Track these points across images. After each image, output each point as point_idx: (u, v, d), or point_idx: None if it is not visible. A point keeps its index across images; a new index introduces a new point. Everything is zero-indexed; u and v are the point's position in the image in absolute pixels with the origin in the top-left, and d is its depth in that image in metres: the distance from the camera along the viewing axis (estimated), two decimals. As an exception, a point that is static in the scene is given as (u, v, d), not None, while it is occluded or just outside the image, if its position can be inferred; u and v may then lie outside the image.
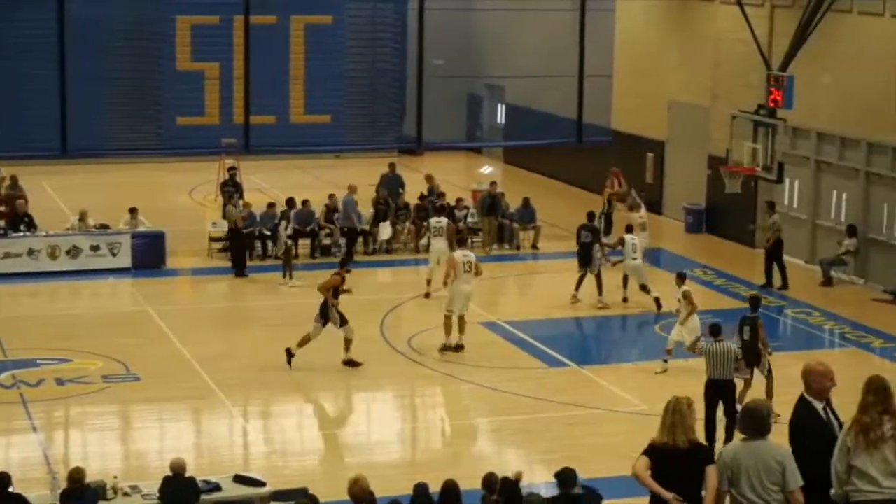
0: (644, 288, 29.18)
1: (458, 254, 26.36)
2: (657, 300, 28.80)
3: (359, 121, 41.87)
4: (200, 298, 31.18)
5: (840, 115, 32.85)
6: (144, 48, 40.46)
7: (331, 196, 34.47)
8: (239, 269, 31.78)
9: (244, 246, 32.44)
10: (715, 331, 21.39)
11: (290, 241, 32.10)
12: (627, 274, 29.45)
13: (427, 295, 29.74)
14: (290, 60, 39.09)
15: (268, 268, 32.76)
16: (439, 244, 30.35)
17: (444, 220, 31.01)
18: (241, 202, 33.69)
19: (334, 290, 24.79)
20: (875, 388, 10.67)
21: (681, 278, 25.66)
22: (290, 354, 24.58)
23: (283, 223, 32.48)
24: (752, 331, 22.37)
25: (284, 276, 31.16)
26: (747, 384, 22.14)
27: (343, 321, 24.66)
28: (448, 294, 26.11)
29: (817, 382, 11.26)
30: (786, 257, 32.01)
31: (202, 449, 21.25)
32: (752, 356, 22.18)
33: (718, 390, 20.70)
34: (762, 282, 31.67)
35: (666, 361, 24.87)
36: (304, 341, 24.61)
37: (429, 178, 36.67)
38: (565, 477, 14.33)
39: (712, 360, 20.85)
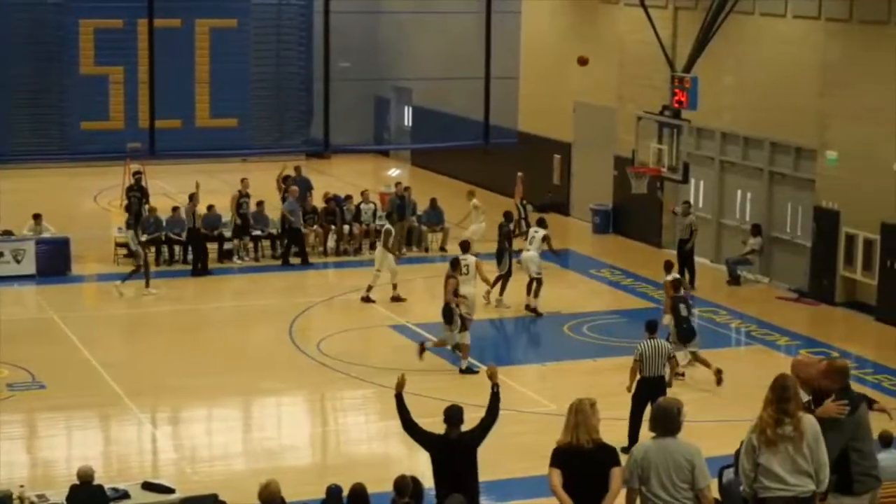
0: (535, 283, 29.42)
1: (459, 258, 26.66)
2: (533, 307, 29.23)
3: (265, 124, 41.76)
4: (106, 305, 30.88)
5: (743, 116, 33.22)
6: (47, 53, 40.05)
7: (242, 194, 34.50)
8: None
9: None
10: (651, 328, 21.47)
11: (142, 249, 31.51)
12: (522, 264, 29.60)
13: (366, 299, 29.73)
14: (196, 64, 38.90)
15: (175, 272, 32.59)
16: (378, 250, 30.44)
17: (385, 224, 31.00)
18: (146, 207, 33.43)
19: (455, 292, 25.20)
20: (776, 387, 10.75)
21: (667, 269, 25.92)
22: (422, 349, 25.06)
23: (132, 232, 31.76)
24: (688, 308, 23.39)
25: (146, 284, 30.78)
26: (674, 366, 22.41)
27: (463, 327, 25.02)
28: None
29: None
30: (696, 258, 32.34)
31: (110, 456, 21.05)
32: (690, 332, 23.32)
33: (651, 388, 20.55)
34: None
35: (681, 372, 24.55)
36: (441, 344, 25.37)
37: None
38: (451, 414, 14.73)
39: (645, 358, 20.88)
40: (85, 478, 16.38)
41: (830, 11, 30.32)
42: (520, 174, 35.20)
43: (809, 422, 10.68)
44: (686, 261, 31.72)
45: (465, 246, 27.67)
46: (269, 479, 14.52)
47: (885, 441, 15.99)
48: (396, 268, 30.20)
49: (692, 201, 34.57)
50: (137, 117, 37.23)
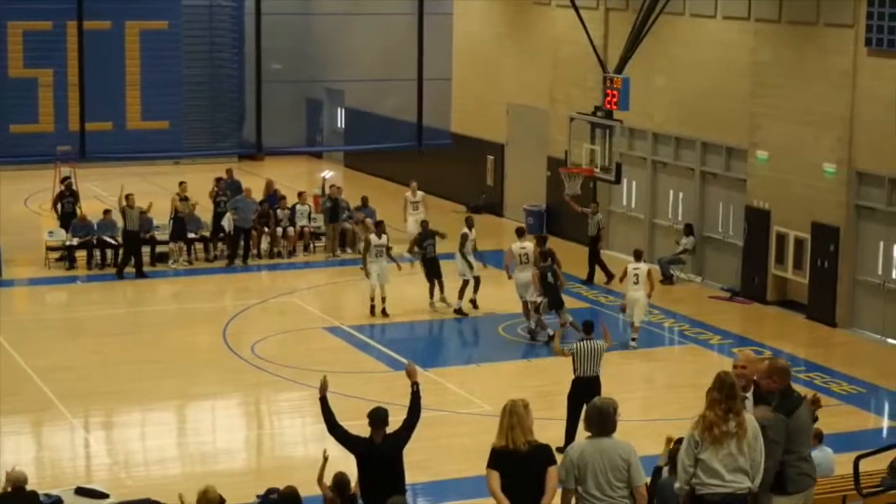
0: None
1: (516, 245, 28.12)
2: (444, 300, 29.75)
3: (197, 126, 41.41)
4: (38, 309, 30.62)
5: (675, 116, 33.43)
6: (-26, 55, 39.56)
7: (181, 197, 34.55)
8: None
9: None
10: (588, 328, 21.48)
11: None
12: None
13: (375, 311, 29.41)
14: (126, 66, 38.53)
15: (106, 276, 32.41)
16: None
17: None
18: (78, 209, 33.22)
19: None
20: (720, 386, 10.86)
21: (637, 257, 27.41)
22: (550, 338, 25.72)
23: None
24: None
25: None
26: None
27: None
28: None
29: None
30: (624, 256, 32.45)
31: (43, 462, 20.86)
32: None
33: (586, 387, 20.48)
34: (602, 283, 32.24)
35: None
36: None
37: (269, 185, 36.54)
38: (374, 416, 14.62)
39: (580, 358, 20.86)
40: (17, 483, 16.18)
41: (760, 12, 30.57)
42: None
43: (751, 420, 10.81)
44: (595, 257, 32.73)
45: (521, 232, 29.02)
46: (206, 485, 14.46)
47: (817, 438, 16.15)
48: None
49: (625, 202, 34.78)
50: (67, 120, 36.87)
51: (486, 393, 23.94)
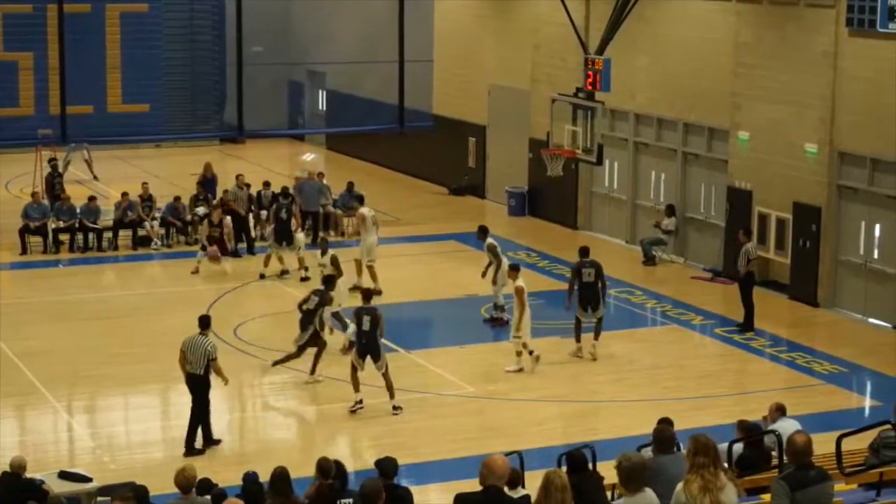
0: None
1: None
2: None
3: (179, 109, 41.31)
4: (20, 293, 30.54)
5: (657, 97, 33.44)
6: (-46, 38, 39.43)
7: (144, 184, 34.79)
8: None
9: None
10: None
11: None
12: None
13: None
14: (106, 49, 38.41)
15: (89, 260, 32.38)
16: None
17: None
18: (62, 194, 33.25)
19: None
20: (703, 449, 10.54)
21: (514, 270, 25.08)
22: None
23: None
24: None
25: None
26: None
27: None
28: None
29: None
30: (606, 237, 32.50)
31: (26, 446, 20.77)
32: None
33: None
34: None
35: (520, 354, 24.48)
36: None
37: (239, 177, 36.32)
38: (385, 467, 14.28)
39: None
40: (16, 469, 16.02)
41: (741, -7, 30.60)
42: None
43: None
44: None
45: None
46: (184, 464, 14.45)
47: (781, 410, 16.32)
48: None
49: (607, 183, 34.82)
50: (48, 103, 36.78)
51: (469, 374, 23.96)
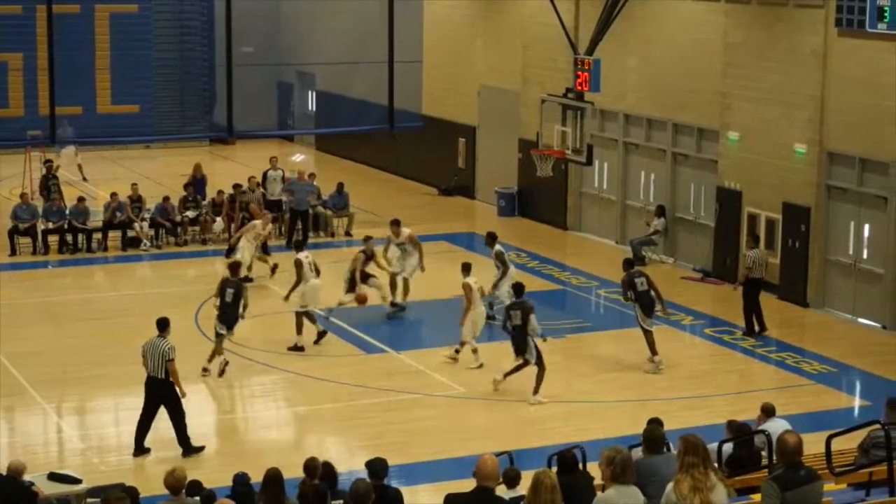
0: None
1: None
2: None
3: (168, 110, 41.42)
4: (9, 294, 30.47)
5: (646, 97, 33.46)
6: (-56, 39, 39.39)
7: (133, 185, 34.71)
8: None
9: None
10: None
11: None
12: None
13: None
14: (96, 50, 38.41)
15: (78, 261, 32.32)
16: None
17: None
18: (53, 196, 33.28)
19: None
20: (693, 449, 10.57)
21: (464, 269, 25.24)
22: None
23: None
24: (523, 316, 22.41)
25: None
26: (516, 369, 22.53)
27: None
28: None
29: None
30: (596, 238, 32.50)
31: (15, 448, 20.75)
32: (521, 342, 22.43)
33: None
34: (575, 265, 32.26)
35: (458, 352, 24.72)
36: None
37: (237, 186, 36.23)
38: (375, 467, 14.24)
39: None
40: (14, 472, 15.94)
41: (731, -7, 30.62)
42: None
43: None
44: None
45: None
46: (174, 465, 14.44)
47: (769, 412, 16.35)
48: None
49: (597, 183, 34.81)
50: (37, 104, 36.76)
51: (458, 375, 23.95)
